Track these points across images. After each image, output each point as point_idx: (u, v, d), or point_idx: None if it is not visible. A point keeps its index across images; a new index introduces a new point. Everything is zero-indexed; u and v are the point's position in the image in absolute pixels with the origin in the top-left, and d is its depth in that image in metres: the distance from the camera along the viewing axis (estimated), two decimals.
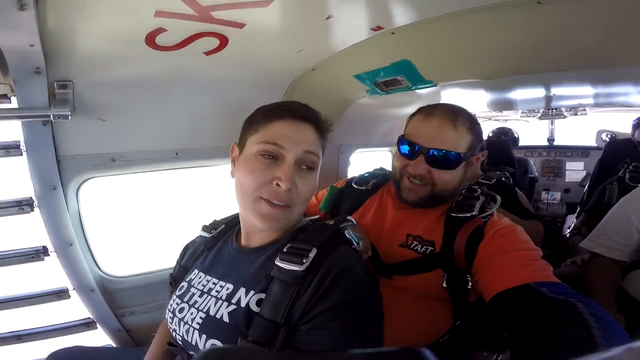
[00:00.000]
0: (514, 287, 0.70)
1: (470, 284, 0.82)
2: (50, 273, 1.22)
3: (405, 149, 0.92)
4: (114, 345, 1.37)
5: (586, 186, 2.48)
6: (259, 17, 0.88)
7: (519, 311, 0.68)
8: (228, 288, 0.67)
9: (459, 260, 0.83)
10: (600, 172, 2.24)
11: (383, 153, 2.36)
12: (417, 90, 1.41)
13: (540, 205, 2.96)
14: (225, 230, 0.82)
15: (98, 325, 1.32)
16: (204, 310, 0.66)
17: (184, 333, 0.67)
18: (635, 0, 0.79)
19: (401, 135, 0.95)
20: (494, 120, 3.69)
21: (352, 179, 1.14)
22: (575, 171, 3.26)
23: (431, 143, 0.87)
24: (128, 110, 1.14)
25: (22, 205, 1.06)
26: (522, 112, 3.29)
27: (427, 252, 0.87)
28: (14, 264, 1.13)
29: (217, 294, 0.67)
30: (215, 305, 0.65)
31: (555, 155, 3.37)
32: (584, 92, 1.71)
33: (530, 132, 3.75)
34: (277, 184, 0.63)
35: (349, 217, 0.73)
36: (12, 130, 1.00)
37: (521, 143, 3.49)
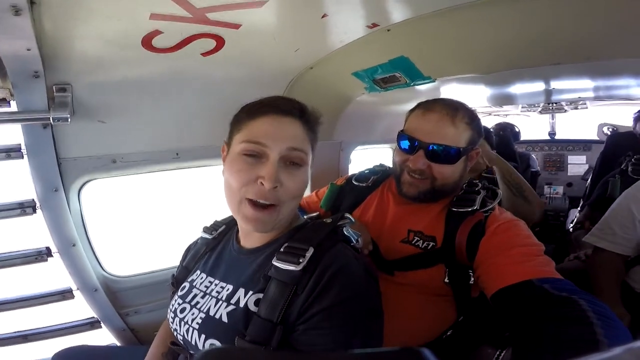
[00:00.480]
0: (516, 283, 0.70)
1: (472, 279, 0.82)
2: (54, 274, 1.23)
3: (405, 144, 0.92)
4: (118, 344, 1.38)
5: (589, 180, 2.46)
6: (254, 18, 0.88)
7: (521, 308, 0.68)
8: (228, 289, 0.67)
9: (460, 255, 0.84)
10: (603, 165, 2.22)
11: (384, 150, 2.36)
12: (416, 87, 1.41)
13: (543, 200, 2.94)
14: (226, 231, 0.82)
15: (102, 325, 1.33)
16: (204, 310, 0.66)
17: (185, 333, 0.67)
18: None
19: (401, 131, 0.95)
20: (495, 115, 3.66)
21: (353, 176, 1.15)
22: (578, 165, 3.24)
23: (430, 138, 0.88)
24: (128, 111, 1.14)
25: (24, 207, 1.08)
26: (522, 107, 3.26)
27: (429, 247, 0.87)
28: (17, 265, 1.15)
29: (217, 294, 0.68)
30: (215, 306, 0.66)
31: (557, 149, 3.35)
32: (583, 85, 1.69)
33: (532, 127, 3.72)
34: (262, 183, 0.62)
35: (346, 215, 0.73)
36: (12, 134, 1.01)
37: (522, 137, 3.47)
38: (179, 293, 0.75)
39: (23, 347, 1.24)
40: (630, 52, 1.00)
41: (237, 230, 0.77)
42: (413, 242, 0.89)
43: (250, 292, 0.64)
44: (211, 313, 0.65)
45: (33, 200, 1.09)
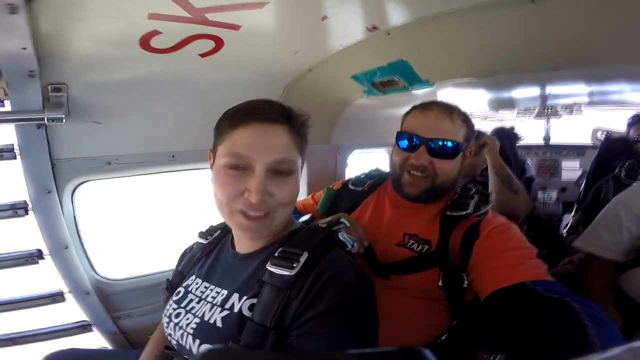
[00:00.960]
0: (509, 285, 0.71)
1: (465, 282, 0.83)
2: (44, 276, 1.21)
3: (404, 143, 0.93)
4: (109, 348, 1.36)
5: (582, 185, 2.49)
6: (254, 19, 0.88)
7: (514, 310, 0.68)
8: (223, 294, 0.67)
9: (454, 258, 0.84)
10: (596, 170, 2.25)
11: (381, 154, 2.37)
12: (414, 91, 1.42)
13: (537, 205, 2.97)
14: (221, 236, 0.81)
15: (94, 328, 1.31)
16: (199, 315, 0.66)
17: (179, 338, 0.67)
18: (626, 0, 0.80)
19: (399, 131, 0.96)
20: (489, 120, 3.70)
21: (349, 180, 1.15)
22: (571, 170, 3.28)
23: (430, 134, 0.89)
24: (123, 113, 1.13)
25: (16, 209, 1.06)
26: (517, 112, 3.30)
27: (424, 250, 0.88)
28: (8, 267, 1.13)
29: (212, 299, 0.67)
30: (210, 311, 0.65)
31: (551, 154, 3.39)
32: (579, 90, 1.72)
33: (526, 132, 3.77)
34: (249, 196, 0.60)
35: (342, 220, 0.72)
36: (5, 134, 0.99)
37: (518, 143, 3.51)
38: (174, 298, 0.74)
39: (12, 350, 1.21)
40: (625, 58, 1.02)
41: (232, 236, 0.76)
42: (408, 246, 0.90)
43: (245, 297, 0.63)
44: (206, 318, 0.64)
45: (25, 201, 1.07)
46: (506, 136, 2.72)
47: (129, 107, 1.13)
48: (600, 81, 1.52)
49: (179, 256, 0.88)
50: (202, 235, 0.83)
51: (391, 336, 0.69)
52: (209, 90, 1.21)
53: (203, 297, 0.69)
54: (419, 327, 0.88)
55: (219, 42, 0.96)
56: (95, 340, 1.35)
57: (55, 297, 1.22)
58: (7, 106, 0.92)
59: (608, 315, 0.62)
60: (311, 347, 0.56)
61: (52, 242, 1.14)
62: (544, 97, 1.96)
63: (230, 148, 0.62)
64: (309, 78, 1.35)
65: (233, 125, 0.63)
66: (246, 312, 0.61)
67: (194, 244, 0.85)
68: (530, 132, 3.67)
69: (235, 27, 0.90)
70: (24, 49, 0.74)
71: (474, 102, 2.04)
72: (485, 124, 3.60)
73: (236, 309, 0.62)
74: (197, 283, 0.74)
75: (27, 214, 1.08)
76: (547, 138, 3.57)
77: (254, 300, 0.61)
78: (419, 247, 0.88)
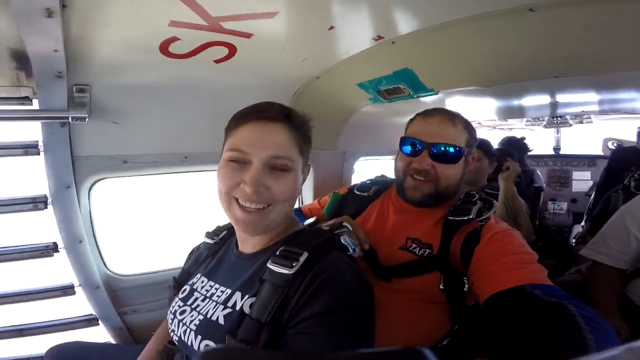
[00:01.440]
0: (508, 289, 0.71)
1: (466, 286, 0.83)
2: (57, 269, 1.25)
3: (407, 148, 0.95)
4: (113, 342, 1.38)
5: (592, 196, 2.45)
6: (266, 28, 0.93)
7: (512, 313, 0.68)
8: (227, 293, 0.69)
9: (454, 262, 0.85)
10: (606, 180, 2.21)
11: (387, 161, 2.38)
12: (421, 99, 1.44)
13: (547, 215, 2.92)
14: (227, 236, 0.83)
15: (100, 322, 1.34)
16: (203, 313, 0.68)
17: (182, 334, 0.68)
18: (632, 8, 0.81)
19: (402, 137, 0.98)
20: (499, 129, 3.68)
21: (354, 185, 1.17)
22: (582, 181, 3.22)
23: (433, 138, 0.91)
24: (140, 114, 1.19)
25: (36, 202, 1.11)
26: (527, 121, 3.27)
27: (425, 254, 0.88)
28: (25, 259, 1.17)
29: (217, 298, 0.69)
30: (213, 309, 0.67)
31: (562, 164, 3.33)
32: (588, 98, 1.70)
33: (536, 141, 3.72)
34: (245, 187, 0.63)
35: (344, 223, 0.74)
36: (29, 131, 1.05)
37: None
38: (180, 295, 0.76)
39: (18, 341, 1.23)
40: (628, 66, 1.02)
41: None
42: (410, 249, 0.90)
43: (247, 296, 0.65)
44: (209, 315, 0.66)
45: (45, 195, 1.12)
46: (515, 147, 2.71)
47: (146, 109, 1.19)
48: (608, 89, 1.50)
49: (187, 255, 0.90)
50: (209, 235, 0.85)
51: (392, 338, 0.69)
52: (221, 95, 1.26)
53: (208, 295, 0.71)
54: (420, 329, 0.87)
55: (232, 49, 1.01)
56: (99, 334, 1.37)
57: (67, 290, 1.26)
58: (35, 104, 0.98)
59: (614, 324, 0.62)
60: (306, 346, 0.56)
61: (68, 236, 1.18)
62: (553, 105, 1.95)
63: (232, 144, 0.66)
64: (317, 85, 1.39)
65: (238, 123, 0.67)
66: (247, 310, 0.62)
67: (201, 243, 0.87)
68: (541, 141, 3.63)
69: (247, 35, 0.95)
70: (56, 51, 0.80)
71: (482, 111, 2.05)
72: (494, 133, 3.58)
73: (238, 307, 0.64)
74: (203, 282, 0.76)
75: (46, 207, 1.13)
76: (557, 148, 3.52)
77: (254, 299, 0.62)
78: (421, 251, 0.89)
